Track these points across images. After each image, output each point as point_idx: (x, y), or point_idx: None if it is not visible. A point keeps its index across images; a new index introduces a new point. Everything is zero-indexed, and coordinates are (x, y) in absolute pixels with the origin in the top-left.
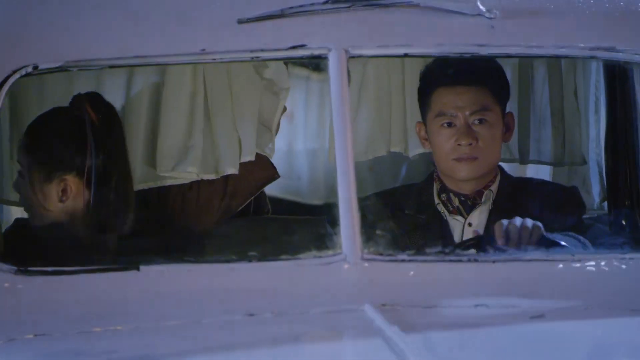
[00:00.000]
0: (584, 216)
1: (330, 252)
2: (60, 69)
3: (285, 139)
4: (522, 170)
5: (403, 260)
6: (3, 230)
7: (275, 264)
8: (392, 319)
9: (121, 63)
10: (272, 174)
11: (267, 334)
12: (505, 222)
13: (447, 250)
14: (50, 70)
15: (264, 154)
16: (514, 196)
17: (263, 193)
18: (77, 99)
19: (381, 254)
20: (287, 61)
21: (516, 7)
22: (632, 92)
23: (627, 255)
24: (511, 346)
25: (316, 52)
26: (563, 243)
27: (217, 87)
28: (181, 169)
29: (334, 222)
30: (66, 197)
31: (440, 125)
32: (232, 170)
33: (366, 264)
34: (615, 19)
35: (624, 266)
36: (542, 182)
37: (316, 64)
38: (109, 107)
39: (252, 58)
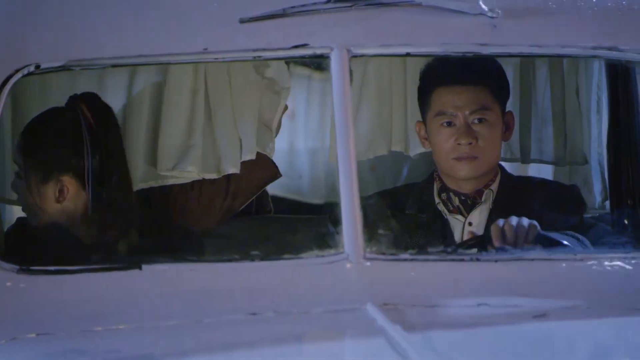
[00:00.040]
0: (586, 215)
1: (332, 252)
2: (63, 68)
3: (287, 138)
4: (524, 169)
5: (405, 260)
6: (5, 229)
7: (278, 263)
8: (394, 318)
9: (123, 62)
10: (273, 173)
11: (270, 333)
12: (501, 222)
13: (449, 250)
14: (53, 70)
15: (265, 153)
16: (515, 195)
17: (265, 192)
18: (73, 99)
19: (383, 254)
20: (289, 60)
21: (518, 7)
22: (634, 91)
23: (630, 255)
24: (513, 346)
25: (318, 52)
26: (563, 242)
27: (218, 85)
28: (181, 168)
29: (335, 221)
30: (63, 197)
31: (440, 125)
32: (234, 169)
33: (368, 264)
34: (618, 18)
35: (626, 266)
36: (543, 181)
37: (318, 63)
38: (106, 107)
39: (254, 57)
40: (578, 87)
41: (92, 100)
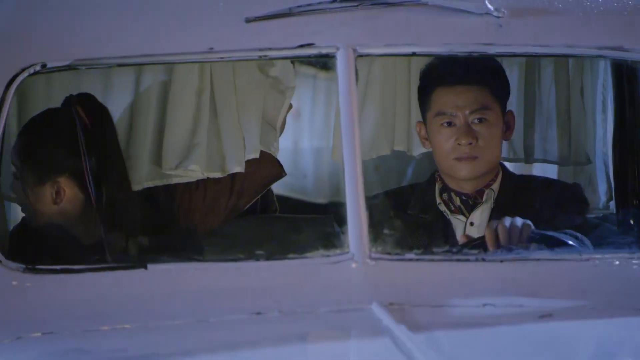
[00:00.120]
0: (591, 215)
1: (337, 251)
2: (69, 68)
3: (292, 137)
4: (528, 169)
5: (410, 260)
6: (11, 228)
7: (283, 262)
8: (399, 318)
9: (129, 62)
10: (278, 172)
11: (274, 333)
12: (494, 224)
13: (454, 250)
14: (59, 69)
15: (270, 152)
16: (516, 194)
17: (270, 192)
18: (69, 100)
19: (389, 253)
20: (295, 60)
21: (524, 6)
22: None
23: (635, 255)
24: (519, 346)
25: (324, 51)
26: (561, 240)
27: (223, 85)
28: (185, 167)
29: (340, 220)
30: (60, 199)
31: (440, 125)
32: (238, 168)
33: (373, 263)
34: (623, 18)
35: (632, 266)
36: (545, 180)
37: (324, 62)
38: (102, 108)
39: (260, 57)
40: (583, 86)
41: (87, 101)
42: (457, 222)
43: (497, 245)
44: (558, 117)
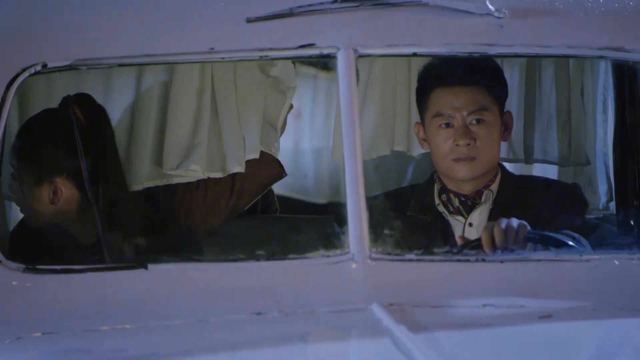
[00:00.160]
0: (592, 216)
1: (338, 252)
2: (69, 68)
3: (292, 138)
4: (528, 170)
5: (411, 260)
6: (11, 228)
7: (283, 263)
8: (399, 319)
9: (130, 62)
10: (279, 173)
11: (275, 333)
12: (490, 225)
13: (454, 250)
14: (59, 69)
15: (270, 153)
16: (515, 195)
17: (271, 192)
18: (66, 100)
19: (389, 254)
20: (295, 60)
21: (525, 7)
22: None
23: (636, 256)
24: (519, 346)
25: (325, 52)
26: (559, 240)
27: (224, 85)
28: (186, 167)
29: (341, 221)
30: (57, 199)
31: (438, 126)
32: (238, 168)
33: (374, 264)
34: (624, 19)
35: (632, 266)
36: (544, 180)
37: (324, 63)
38: (99, 108)
39: (261, 57)
40: (584, 87)
41: (85, 101)
42: (456, 223)
43: (494, 247)
44: (558, 118)
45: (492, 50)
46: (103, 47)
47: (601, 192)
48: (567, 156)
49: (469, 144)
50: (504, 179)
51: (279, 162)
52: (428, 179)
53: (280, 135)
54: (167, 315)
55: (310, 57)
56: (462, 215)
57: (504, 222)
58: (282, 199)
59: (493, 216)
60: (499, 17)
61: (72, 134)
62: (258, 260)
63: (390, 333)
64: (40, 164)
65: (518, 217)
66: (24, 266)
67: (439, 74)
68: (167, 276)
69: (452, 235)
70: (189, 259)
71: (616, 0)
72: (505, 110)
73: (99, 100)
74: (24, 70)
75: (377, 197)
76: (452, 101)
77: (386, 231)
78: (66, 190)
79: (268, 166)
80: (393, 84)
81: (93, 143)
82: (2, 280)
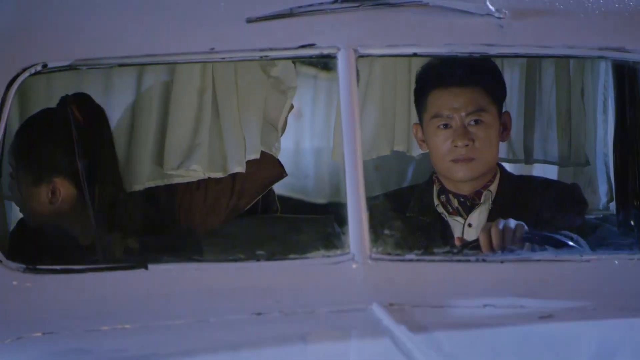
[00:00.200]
0: (592, 216)
1: (338, 252)
2: (70, 68)
3: (293, 138)
4: (528, 170)
5: (411, 260)
6: (11, 228)
7: (283, 263)
8: (399, 319)
9: (130, 62)
10: (279, 173)
11: (275, 333)
12: (487, 226)
13: (455, 251)
14: (60, 69)
15: (271, 153)
16: (514, 195)
17: (272, 192)
18: (64, 100)
19: (389, 254)
20: (296, 60)
21: (525, 7)
22: None
23: (636, 256)
24: (519, 346)
25: (325, 52)
26: (557, 240)
27: (225, 85)
28: (187, 167)
29: (341, 221)
30: (56, 199)
31: (436, 127)
32: (239, 168)
33: (374, 264)
34: (625, 19)
35: (632, 266)
36: (543, 180)
37: (325, 63)
38: (97, 108)
39: (261, 57)
40: (584, 87)
41: (83, 101)
42: (456, 224)
43: (491, 248)
44: (558, 118)
45: (493, 51)
46: (103, 47)
47: (601, 193)
48: (567, 156)
49: (467, 145)
50: (503, 180)
51: (279, 162)
52: (427, 180)
53: (281, 135)
54: (167, 315)
55: (310, 57)
56: (461, 215)
57: (501, 223)
58: (283, 199)
59: (492, 217)
60: (499, 18)
61: (71, 133)
62: (258, 260)
63: (390, 333)
64: (38, 163)
65: (517, 218)
66: (24, 266)
67: (437, 75)
68: (167, 276)
69: (452, 236)
70: (189, 259)
71: (616, 0)
72: (503, 111)
73: (100, 100)
74: (24, 70)
75: (377, 198)
76: (451, 102)
77: (386, 231)
78: (64, 190)
79: (268, 166)
80: (393, 84)
81: (91, 142)
82: (2, 280)
